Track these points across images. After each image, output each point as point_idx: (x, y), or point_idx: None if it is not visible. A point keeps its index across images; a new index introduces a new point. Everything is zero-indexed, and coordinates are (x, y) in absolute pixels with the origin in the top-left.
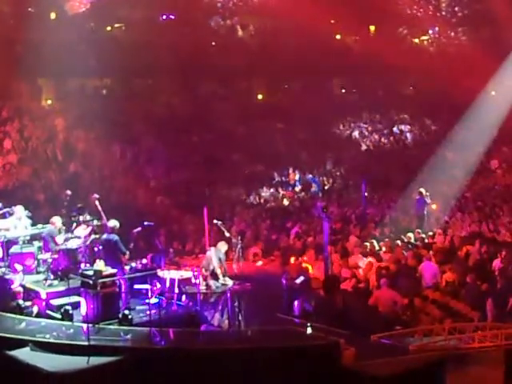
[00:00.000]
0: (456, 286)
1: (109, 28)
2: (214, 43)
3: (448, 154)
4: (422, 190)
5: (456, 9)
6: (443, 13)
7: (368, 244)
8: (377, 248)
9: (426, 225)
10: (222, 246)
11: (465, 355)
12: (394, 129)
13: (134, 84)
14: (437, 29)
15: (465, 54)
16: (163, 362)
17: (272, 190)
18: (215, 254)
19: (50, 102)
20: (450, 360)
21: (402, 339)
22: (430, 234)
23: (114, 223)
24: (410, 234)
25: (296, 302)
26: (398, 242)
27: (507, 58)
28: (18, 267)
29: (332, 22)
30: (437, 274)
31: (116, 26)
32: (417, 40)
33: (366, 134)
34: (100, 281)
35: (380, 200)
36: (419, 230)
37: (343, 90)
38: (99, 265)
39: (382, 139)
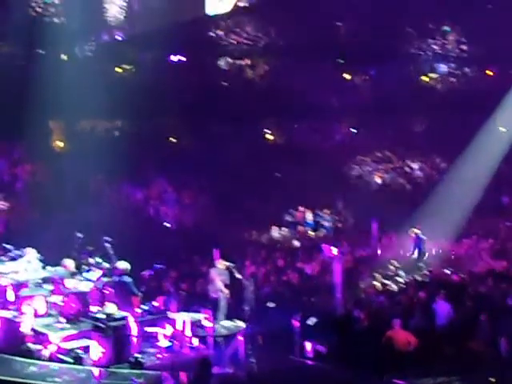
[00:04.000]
0: (470, 324)
1: (119, 69)
2: (223, 84)
3: (457, 191)
4: (416, 229)
5: (464, 46)
6: (452, 50)
7: (379, 284)
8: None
9: (427, 262)
10: (221, 265)
11: None
12: (405, 167)
13: (144, 125)
14: (445, 66)
15: (473, 91)
16: None
17: (283, 230)
18: (218, 274)
19: (61, 143)
20: None
21: (416, 380)
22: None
23: (124, 265)
24: (416, 272)
25: (308, 344)
26: (407, 279)
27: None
28: (29, 310)
29: (341, 61)
30: (450, 312)
31: (126, 67)
32: (425, 78)
33: (377, 172)
34: (111, 324)
35: (391, 239)
36: (423, 268)
37: (353, 130)
38: (110, 308)
39: (393, 178)
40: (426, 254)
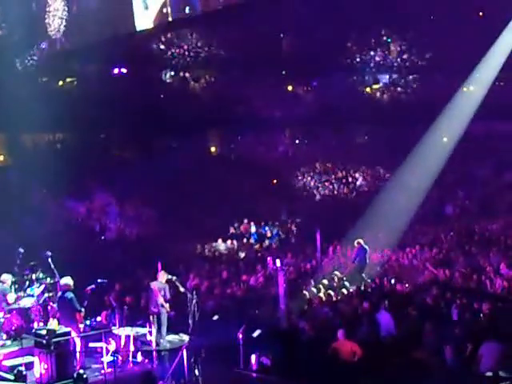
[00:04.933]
0: (414, 333)
1: (61, 82)
2: (166, 96)
3: (400, 201)
4: (360, 239)
5: (406, 57)
6: (394, 61)
7: (323, 295)
8: (335, 298)
9: (370, 273)
10: (163, 277)
11: None
12: (349, 178)
13: (86, 138)
14: (388, 77)
15: (415, 101)
16: None
17: (228, 242)
18: (158, 288)
19: (2, 157)
20: None
21: None
22: (379, 280)
23: (67, 280)
24: (360, 283)
25: (253, 356)
26: (351, 290)
27: (456, 103)
28: None
29: (283, 73)
30: (394, 322)
31: (68, 80)
32: (368, 89)
33: (320, 183)
34: (54, 340)
35: (334, 249)
36: (367, 278)
37: (297, 141)
38: (53, 324)
39: (336, 188)
40: (369, 264)
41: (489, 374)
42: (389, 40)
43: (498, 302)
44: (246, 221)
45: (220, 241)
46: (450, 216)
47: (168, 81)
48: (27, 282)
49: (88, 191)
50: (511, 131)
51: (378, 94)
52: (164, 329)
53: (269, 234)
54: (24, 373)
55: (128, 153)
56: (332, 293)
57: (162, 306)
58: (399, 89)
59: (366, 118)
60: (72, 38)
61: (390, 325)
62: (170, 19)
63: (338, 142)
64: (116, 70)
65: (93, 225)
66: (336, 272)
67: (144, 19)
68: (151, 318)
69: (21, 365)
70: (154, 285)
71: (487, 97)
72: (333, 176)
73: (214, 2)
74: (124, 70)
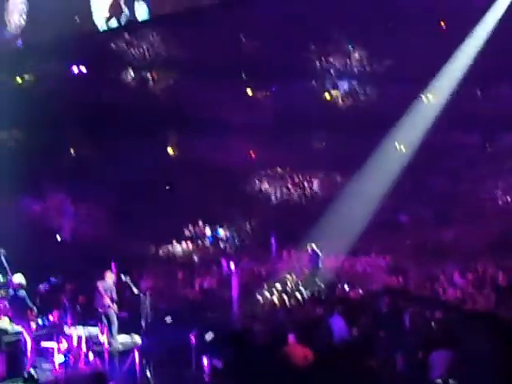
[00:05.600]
0: (366, 340)
1: (18, 79)
2: (124, 96)
3: (355, 208)
4: (313, 244)
5: (366, 65)
6: (354, 69)
7: (276, 299)
8: (288, 302)
9: (324, 278)
10: (109, 277)
11: None
12: (304, 184)
13: (43, 136)
14: (347, 84)
15: (375, 109)
16: None
17: (182, 244)
18: (104, 288)
19: None
20: None
21: None
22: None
23: (20, 279)
24: (313, 288)
25: (205, 359)
26: (305, 294)
27: (414, 112)
28: None
29: (243, 77)
30: (346, 328)
31: (26, 78)
32: (327, 95)
33: (277, 189)
34: (5, 339)
35: (288, 254)
36: (320, 283)
37: (254, 145)
38: (4, 322)
39: (292, 193)
40: (322, 270)
41: (439, 381)
42: (350, 47)
43: (451, 311)
44: (201, 223)
45: (175, 242)
46: (405, 224)
47: (127, 81)
48: None
49: (43, 190)
50: (469, 142)
51: (337, 101)
52: (114, 329)
53: (224, 237)
54: None
55: (84, 152)
56: (285, 297)
57: (109, 306)
58: (358, 96)
59: (324, 124)
60: (31, 35)
61: (343, 330)
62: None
63: (296, 147)
64: (75, 69)
65: (47, 224)
66: (289, 276)
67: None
68: (102, 318)
69: None
70: (100, 285)
71: (446, 107)
72: (289, 181)
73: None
74: (83, 69)
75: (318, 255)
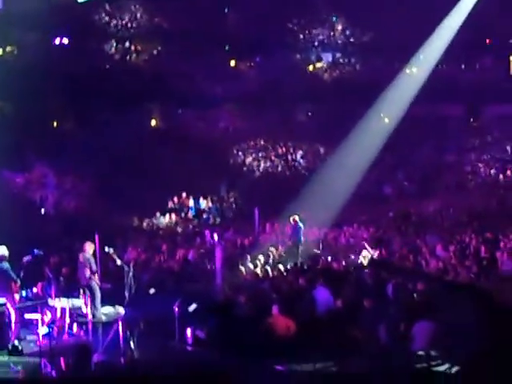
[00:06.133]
0: (349, 311)
1: (0, 51)
2: (107, 68)
3: (339, 179)
4: (296, 216)
5: (350, 36)
6: (338, 41)
7: (259, 271)
8: (271, 273)
9: (307, 250)
10: (89, 248)
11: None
12: (288, 155)
13: (26, 109)
14: (331, 56)
15: (358, 81)
16: None
17: (166, 216)
18: (85, 259)
19: None
20: None
21: (295, 365)
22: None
23: (2, 251)
24: (297, 259)
25: (188, 330)
26: (288, 266)
27: (398, 84)
28: None
29: (226, 48)
30: (329, 299)
31: (8, 49)
32: (311, 67)
33: (260, 160)
34: None
35: (272, 225)
36: (304, 255)
37: (236, 117)
38: None
39: (276, 165)
40: (306, 241)
41: (421, 352)
42: (333, 19)
43: (433, 282)
44: (184, 195)
45: (158, 214)
46: (389, 196)
47: (109, 52)
48: None
49: (26, 162)
50: (452, 113)
51: (321, 73)
52: (98, 300)
53: (207, 209)
54: None
55: (67, 124)
56: (268, 268)
57: (90, 278)
58: (342, 68)
59: (307, 96)
60: (12, 6)
61: (327, 301)
62: None
63: (279, 119)
64: (57, 40)
65: (30, 196)
66: (272, 248)
67: None
68: (84, 290)
69: None
70: (80, 257)
71: (429, 79)
72: (273, 153)
73: None
74: (65, 41)
75: (300, 227)
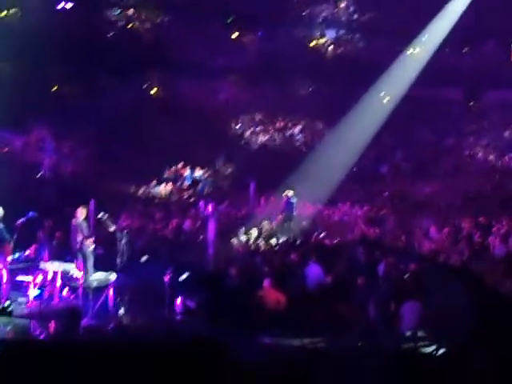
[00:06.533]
0: (339, 288)
1: (3, 13)
2: (109, 34)
3: (336, 156)
4: (289, 191)
5: (354, 15)
6: (342, 18)
7: (252, 244)
8: (264, 247)
9: (300, 225)
10: (81, 214)
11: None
12: (287, 130)
13: (26, 72)
14: (335, 32)
15: (360, 58)
16: (43, 355)
17: (162, 185)
18: (78, 224)
19: None
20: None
21: (284, 339)
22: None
23: None
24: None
25: (179, 299)
26: (281, 240)
27: (400, 64)
28: None
29: (229, 21)
30: (320, 275)
31: (11, 11)
32: (314, 43)
33: (258, 133)
34: None
35: (267, 199)
36: (296, 230)
37: (236, 90)
38: None
39: (274, 139)
40: (300, 217)
41: (408, 333)
42: None
43: (424, 263)
44: (181, 164)
45: (154, 183)
46: (385, 176)
47: (112, 19)
48: None
49: (24, 125)
50: (452, 97)
51: (323, 49)
52: (90, 265)
53: (203, 180)
54: None
55: (67, 89)
56: (261, 242)
57: (82, 243)
58: (345, 45)
59: (309, 71)
60: None
61: (318, 276)
62: None
63: (280, 93)
64: (61, 5)
65: (27, 159)
66: (265, 222)
67: None
68: (77, 254)
69: None
70: (73, 222)
71: (431, 61)
72: (271, 127)
73: None
74: (69, 5)
75: (292, 202)
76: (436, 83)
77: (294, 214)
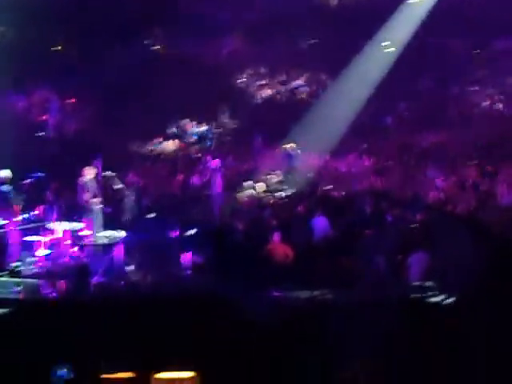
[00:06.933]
0: (347, 240)
1: None
2: None
3: (341, 108)
4: (288, 145)
5: None
6: None
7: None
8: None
9: (307, 178)
10: (88, 173)
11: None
12: (290, 83)
13: (28, 32)
14: None
15: (366, 8)
16: (53, 314)
17: (167, 141)
18: (85, 183)
19: None
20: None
21: (293, 292)
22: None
23: (6, 173)
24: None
25: (187, 255)
26: (287, 193)
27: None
28: None
29: None
30: (328, 228)
31: None
32: None
33: (263, 87)
34: None
35: (273, 153)
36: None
37: (239, 44)
38: None
39: (278, 92)
40: (305, 169)
41: (416, 283)
42: None
43: (432, 213)
44: (186, 121)
45: (160, 139)
46: (390, 126)
47: None
48: None
49: (28, 86)
50: (457, 45)
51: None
52: (98, 223)
53: (208, 135)
54: None
55: (69, 48)
56: (268, 195)
57: (90, 201)
58: None
59: (311, 23)
60: None
61: (325, 229)
62: None
63: (283, 46)
64: None
65: (32, 119)
66: (271, 175)
67: None
68: (85, 213)
69: None
70: (80, 181)
71: (435, 8)
72: (275, 80)
73: None
74: None
75: (291, 155)
76: (440, 31)
77: (296, 166)
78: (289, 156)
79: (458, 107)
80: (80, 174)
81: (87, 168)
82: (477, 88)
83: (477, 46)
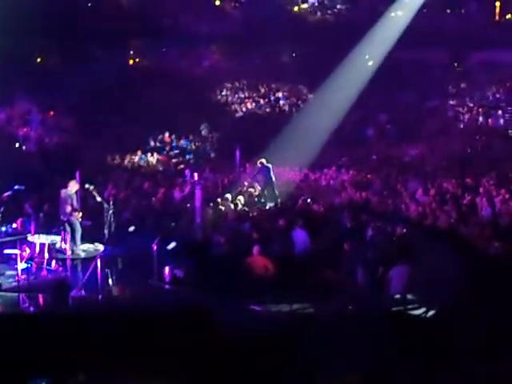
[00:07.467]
0: (327, 253)
1: None
2: (91, 4)
3: (321, 121)
4: (263, 159)
5: None
6: None
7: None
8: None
9: (287, 191)
10: (73, 187)
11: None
12: (271, 96)
13: (8, 44)
14: None
15: (343, 23)
16: (32, 328)
17: (148, 154)
18: (67, 196)
19: None
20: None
21: (272, 306)
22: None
23: None
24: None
25: (167, 268)
26: (268, 207)
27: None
28: None
29: None
30: (308, 241)
31: None
32: (296, 8)
33: (243, 100)
34: None
35: (252, 166)
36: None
37: (220, 56)
38: None
39: (259, 106)
40: (285, 182)
41: (397, 296)
42: None
43: (412, 227)
44: (167, 134)
45: (140, 152)
46: (371, 139)
47: None
48: None
49: (9, 97)
50: (436, 59)
51: (306, 14)
52: (77, 237)
53: (188, 148)
54: None
55: (51, 60)
56: (248, 208)
57: (71, 214)
58: (327, 10)
59: (292, 37)
60: None
61: (306, 242)
62: None
63: (263, 58)
64: None
65: (13, 132)
66: (251, 189)
67: None
68: (64, 226)
69: None
70: (62, 193)
71: (413, 23)
72: (256, 93)
73: None
74: None
75: (268, 168)
76: (419, 45)
77: (273, 178)
78: (264, 169)
79: (437, 120)
80: (64, 186)
81: (73, 182)
82: (455, 101)
83: (455, 59)
